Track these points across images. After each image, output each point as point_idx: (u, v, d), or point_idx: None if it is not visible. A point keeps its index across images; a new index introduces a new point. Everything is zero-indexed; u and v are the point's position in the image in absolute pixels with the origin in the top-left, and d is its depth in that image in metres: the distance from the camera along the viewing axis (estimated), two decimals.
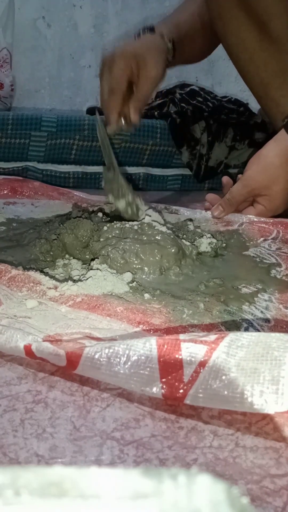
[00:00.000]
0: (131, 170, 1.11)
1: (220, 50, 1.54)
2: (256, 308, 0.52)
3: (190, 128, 1.11)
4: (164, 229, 0.61)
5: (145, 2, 1.52)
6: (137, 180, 1.12)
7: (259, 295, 0.54)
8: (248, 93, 0.96)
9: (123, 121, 0.78)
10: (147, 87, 0.78)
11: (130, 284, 0.53)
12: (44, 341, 0.39)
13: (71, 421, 0.34)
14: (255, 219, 0.78)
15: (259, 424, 0.34)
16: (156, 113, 1.17)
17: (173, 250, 0.58)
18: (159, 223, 0.63)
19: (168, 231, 0.61)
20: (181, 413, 0.35)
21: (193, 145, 1.12)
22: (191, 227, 0.72)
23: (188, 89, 1.24)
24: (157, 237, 0.59)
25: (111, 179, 0.71)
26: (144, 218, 0.64)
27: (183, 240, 0.63)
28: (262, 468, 0.31)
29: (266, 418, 0.35)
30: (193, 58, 1.03)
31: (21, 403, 0.35)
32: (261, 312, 0.51)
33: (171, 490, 0.14)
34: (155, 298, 0.51)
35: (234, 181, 0.83)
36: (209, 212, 0.80)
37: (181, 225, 0.73)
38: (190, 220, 0.75)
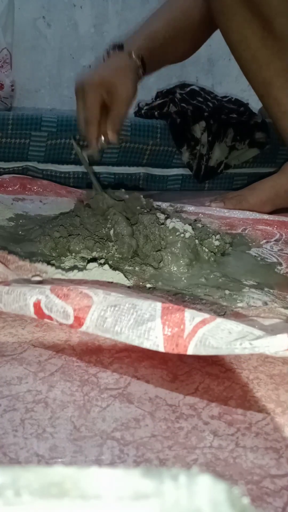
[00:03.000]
0: (131, 170, 1.11)
1: (220, 50, 1.53)
2: (255, 290, 0.55)
3: (190, 128, 1.11)
4: (188, 234, 0.62)
5: (145, 2, 1.52)
6: (137, 180, 1.12)
7: (258, 286, 0.57)
8: (248, 93, 0.96)
9: (103, 140, 0.84)
10: (121, 108, 0.83)
11: (134, 277, 0.57)
12: (51, 293, 0.39)
13: (71, 421, 0.34)
14: (258, 217, 0.79)
15: (259, 424, 0.34)
16: (156, 113, 1.17)
17: (181, 262, 0.60)
18: (185, 228, 0.64)
19: (192, 237, 0.62)
20: (181, 413, 0.35)
21: (193, 145, 1.12)
22: (199, 225, 0.73)
23: (188, 89, 1.24)
24: (177, 245, 0.61)
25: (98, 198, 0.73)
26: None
27: (204, 248, 0.64)
28: (262, 469, 0.31)
29: (266, 418, 0.35)
30: (174, 60, 1.05)
31: (21, 403, 0.35)
32: (260, 293, 0.55)
33: (171, 490, 0.14)
34: (156, 288, 0.55)
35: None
36: (212, 209, 0.87)
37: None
38: (199, 220, 0.77)
